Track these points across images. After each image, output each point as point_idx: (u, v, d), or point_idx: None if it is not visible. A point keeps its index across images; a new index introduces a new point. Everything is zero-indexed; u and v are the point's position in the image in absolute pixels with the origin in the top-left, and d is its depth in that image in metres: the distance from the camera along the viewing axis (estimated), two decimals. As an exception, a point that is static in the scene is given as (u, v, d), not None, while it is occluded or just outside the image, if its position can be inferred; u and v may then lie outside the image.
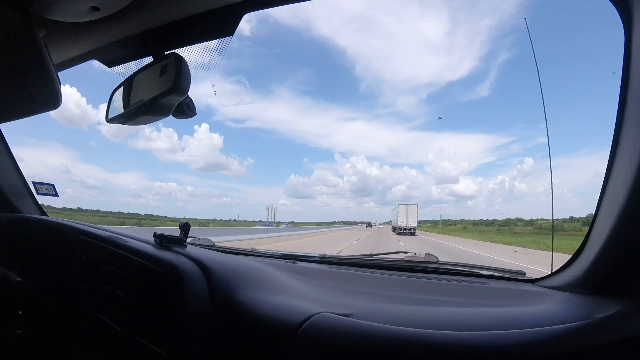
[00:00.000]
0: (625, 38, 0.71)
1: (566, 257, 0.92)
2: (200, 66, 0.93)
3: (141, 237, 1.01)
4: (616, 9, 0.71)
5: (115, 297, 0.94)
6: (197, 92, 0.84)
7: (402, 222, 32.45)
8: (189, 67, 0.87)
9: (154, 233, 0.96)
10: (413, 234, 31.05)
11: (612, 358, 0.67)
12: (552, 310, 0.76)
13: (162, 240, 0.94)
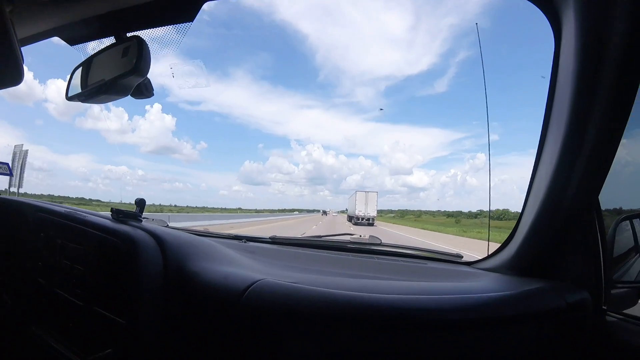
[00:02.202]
0: (554, 46, 0.78)
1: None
2: (160, 49, 0.95)
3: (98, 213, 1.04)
4: (548, 21, 0.78)
5: (74, 270, 0.96)
6: (151, 71, 0.86)
7: (360, 211, 29.54)
8: (151, 48, 0.90)
9: (111, 208, 0.99)
10: (372, 224, 28.55)
11: (527, 326, 0.77)
12: (481, 286, 0.85)
13: (118, 215, 0.97)
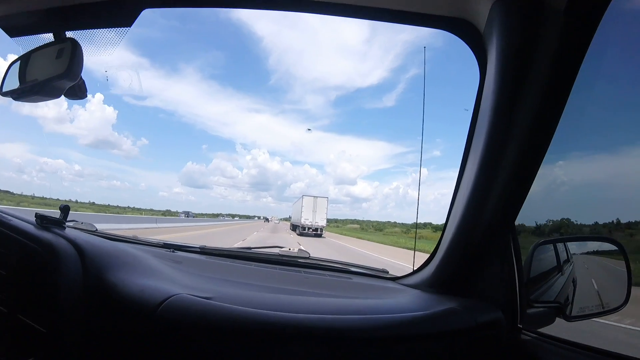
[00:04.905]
0: (479, 79, 0.82)
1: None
2: (96, 50, 0.94)
3: (24, 216, 1.01)
4: (475, 58, 0.83)
5: None
6: (98, 59, 0.86)
7: (307, 219, 24.16)
8: (88, 49, 0.89)
9: (36, 213, 0.97)
10: (319, 235, 23.67)
11: (439, 345, 0.81)
12: (399, 303, 0.88)
13: (42, 221, 0.95)
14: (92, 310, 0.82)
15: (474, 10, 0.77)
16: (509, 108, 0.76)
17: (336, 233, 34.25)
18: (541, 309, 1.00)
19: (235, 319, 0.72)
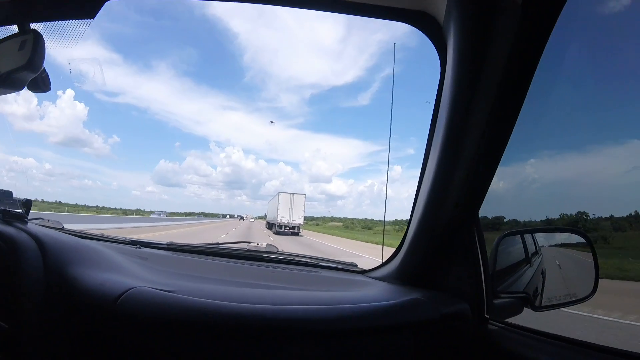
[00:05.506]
0: (440, 72, 0.83)
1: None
2: (62, 43, 0.93)
3: None
4: (436, 51, 0.83)
5: None
6: (68, 54, 0.85)
7: (284, 217, 23.31)
8: (54, 42, 0.89)
9: None
10: (296, 233, 22.87)
11: (403, 336, 0.82)
12: (366, 295, 0.89)
13: (4, 215, 0.94)
14: (53, 304, 0.81)
15: (433, 2, 0.78)
16: (467, 101, 0.76)
17: (317, 232, 31.87)
18: (508, 300, 1.01)
19: (197, 311, 0.72)
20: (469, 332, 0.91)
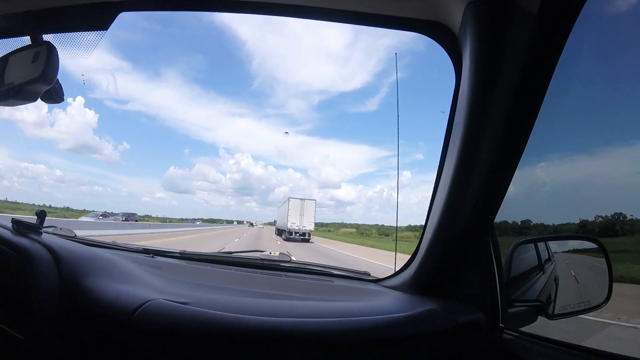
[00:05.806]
0: (455, 83, 0.83)
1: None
2: (74, 54, 0.93)
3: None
4: (451, 60, 0.83)
5: None
6: (79, 62, 0.87)
7: (294, 223, 22.84)
8: (66, 53, 0.90)
9: (12, 219, 0.96)
10: (307, 240, 22.30)
11: (418, 346, 0.81)
12: (381, 305, 0.88)
13: (19, 226, 0.94)
14: (68, 316, 0.81)
15: (447, 12, 0.77)
16: (483, 109, 0.76)
17: (331, 239, 30.37)
18: (523, 308, 1.00)
19: (213, 324, 0.71)
20: (484, 342, 0.90)
